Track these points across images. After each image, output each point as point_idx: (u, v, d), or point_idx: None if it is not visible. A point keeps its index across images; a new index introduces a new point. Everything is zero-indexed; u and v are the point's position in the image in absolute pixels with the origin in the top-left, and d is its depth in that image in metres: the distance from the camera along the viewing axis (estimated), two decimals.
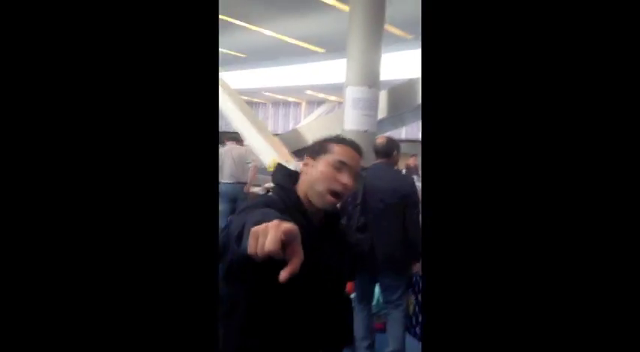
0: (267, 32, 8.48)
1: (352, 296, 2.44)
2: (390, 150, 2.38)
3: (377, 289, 2.75)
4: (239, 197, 4.55)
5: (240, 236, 0.73)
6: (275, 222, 0.63)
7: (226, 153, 4.69)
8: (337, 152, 1.02)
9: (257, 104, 18.04)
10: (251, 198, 1.11)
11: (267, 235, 0.61)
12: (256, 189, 4.68)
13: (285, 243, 0.62)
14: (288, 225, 0.63)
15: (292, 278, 0.62)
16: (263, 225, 0.63)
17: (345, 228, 1.01)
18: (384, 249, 2.26)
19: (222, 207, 4.35)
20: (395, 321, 2.42)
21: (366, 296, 2.49)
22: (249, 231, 0.66)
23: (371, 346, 2.47)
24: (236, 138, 5.10)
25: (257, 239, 0.63)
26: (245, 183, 4.70)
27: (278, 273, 0.62)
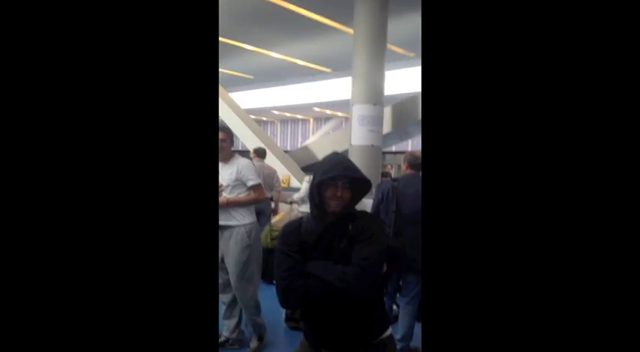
0: (275, 55, 8.89)
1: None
2: (418, 163, 2.71)
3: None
4: (263, 211, 4.91)
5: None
6: None
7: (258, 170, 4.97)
8: None
9: (265, 122, 18.46)
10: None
11: None
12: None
13: None
14: None
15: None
16: None
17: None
18: (412, 250, 2.52)
19: None
20: (409, 313, 2.68)
21: (389, 292, 2.83)
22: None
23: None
24: (261, 153, 5.37)
25: None
26: (270, 199, 5.03)
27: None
